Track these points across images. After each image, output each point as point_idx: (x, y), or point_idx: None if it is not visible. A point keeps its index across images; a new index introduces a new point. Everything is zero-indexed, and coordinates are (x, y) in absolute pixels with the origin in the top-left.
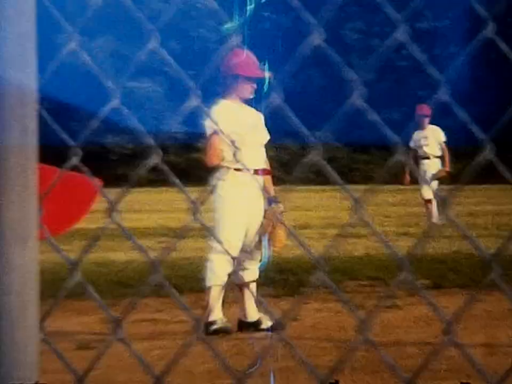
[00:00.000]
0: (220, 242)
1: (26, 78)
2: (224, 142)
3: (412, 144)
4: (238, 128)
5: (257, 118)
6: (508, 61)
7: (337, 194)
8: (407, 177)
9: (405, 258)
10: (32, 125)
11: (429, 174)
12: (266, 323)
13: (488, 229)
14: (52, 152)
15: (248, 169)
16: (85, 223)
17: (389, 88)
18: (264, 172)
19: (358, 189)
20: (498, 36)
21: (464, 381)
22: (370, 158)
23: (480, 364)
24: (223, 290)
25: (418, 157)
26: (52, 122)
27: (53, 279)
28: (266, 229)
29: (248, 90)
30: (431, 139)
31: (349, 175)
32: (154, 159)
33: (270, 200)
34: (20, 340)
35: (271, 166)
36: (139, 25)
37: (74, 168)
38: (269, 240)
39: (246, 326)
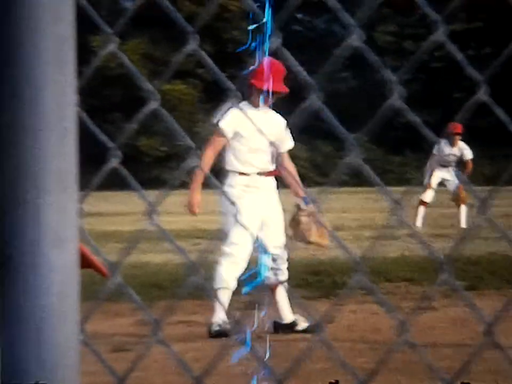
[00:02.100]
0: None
1: (65, 80)
2: (228, 146)
3: (436, 151)
4: (245, 132)
5: (272, 123)
6: None
7: (371, 196)
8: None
9: (445, 259)
10: (72, 127)
11: (445, 178)
12: (302, 324)
13: None
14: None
15: (251, 173)
16: (119, 225)
17: (422, 90)
18: (270, 173)
19: (393, 191)
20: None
21: (502, 383)
22: (404, 160)
23: None
24: (230, 294)
25: (439, 163)
26: (91, 125)
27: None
28: (308, 228)
29: (257, 100)
30: (459, 155)
31: (383, 176)
32: (194, 161)
33: (305, 200)
34: (62, 342)
35: (304, 167)
36: (171, 27)
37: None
38: (308, 240)
39: (281, 328)
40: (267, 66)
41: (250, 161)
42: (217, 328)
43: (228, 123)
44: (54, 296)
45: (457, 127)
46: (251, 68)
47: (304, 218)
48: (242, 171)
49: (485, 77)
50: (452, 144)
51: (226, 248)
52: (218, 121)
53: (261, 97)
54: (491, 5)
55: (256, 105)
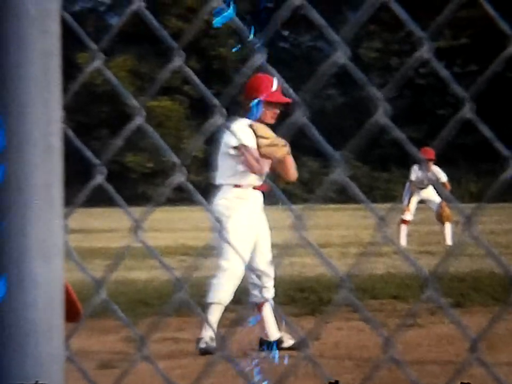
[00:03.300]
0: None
1: (51, 96)
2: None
3: (413, 178)
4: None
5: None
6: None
7: (358, 213)
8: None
9: (431, 276)
10: (57, 143)
11: (425, 199)
12: (288, 342)
13: (510, 247)
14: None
15: (245, 185)
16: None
17: (407, 106)
18: (260, 187)
19: (378, 208)
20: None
21: None
22: (390, 176)
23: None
24: (223, 309)
25: (417, 187)
26: (76, 141)
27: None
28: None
29: (270, 115)
30: (434, 180)
31: (369, 193)
32: (180, 177)
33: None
34: (46, 358)
35: (290, 184)
36: (158, 43)
37: (99, 187)
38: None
39: (267, 345)
40: (271, 80)
41: (245, 174)
42: (203, 345)
43: (250, 139)
44: (39, 312)
45: (429, 152)
46: (255, 84)
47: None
48: (237, 183)
49: (470, 93)
50: (425, 169)
51: (223, 263)
52: (240, 140)
53: (274, 112)
54: (477, 22)
55: (268, 121)
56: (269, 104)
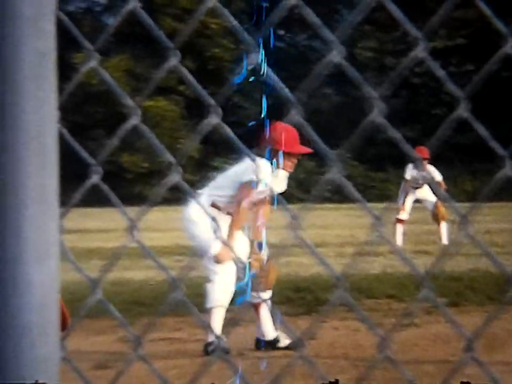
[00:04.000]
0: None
1: (46, 96)
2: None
3: (408, 177)
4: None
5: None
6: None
7: (353, 213)
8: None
9: (426, 275)
10: (52, 143)
11: (421, 198)
12: (284, 341)
13: (505, 247)
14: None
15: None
16: (101, 242)
17: (402, 105)
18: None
19: (374, 207)
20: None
21: None
22: (386, 176)
23: (501, 382)
24: (225, 311)
25: (412, 187)
26: (72, 141)
27: (69, 298)
28: (261, 270)
29: (289, 165)
30: (429, 179)
31: (365, 193)
32: (175, 177)
33: (260, 246)
34: (41, 359)
35: (286, 184)
36: (154, 44)
37: (94, 187)
38: (258, 279)
39: (263, 345)
40: (289, 129)
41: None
42: (213, 347)
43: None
44: (34, 313)
45: (424, 151)
46: (275, 135)
47: (254, 263)
48: (217, 206)
49: (466, 93)
50: (420, 168)
51: (216, 266)
52: (258, 177)
53: (293, 161)
54: (472, 22)
55: (288, 170)
56: (288, 154)
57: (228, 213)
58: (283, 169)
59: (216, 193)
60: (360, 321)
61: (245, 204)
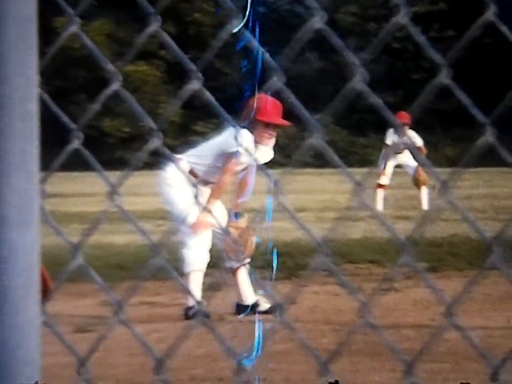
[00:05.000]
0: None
1: (27, 61)
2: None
3: (389, 142)
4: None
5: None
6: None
7: (335, 178)
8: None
9: (406, 241)
10: (34, 108)
11: (401, 163)
12: (264, 305)
13: (486, 212)
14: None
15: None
16: (83, 206)
17: (383, 71)
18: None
19: (356, 172)
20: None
21: (462, 363)
22: (368, 142)
23: (480, 347)
24: (202, 275)
25: (393, 152)
26: (53, 105)
27: (51, 262)
28: (240, 238)
29: (265, 137)
30: (409, 144)
31: (347, 158)
32: (156, 142)
33: (237, 215)
34: (23, 323)
35: None
36: (136, 8)
37: (76, 151)
38: (237, 246)
39: (243, 309)
40: (270, 101)
41: (212, 173)
42: (195, 311)
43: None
44: (16, 278)
45: (404, 117)
46: (254, 105)
47: (232, 230)
48: (195, 173)
49: (447, 59)
50: (401, 134)
51: (186, 230)
52: (241, 143)
53: (270, 134)
54: None
55: (264, 143)
56: (266, 125)
57: (205, 182)
58: (259, 143)
59: (196, 161)
60: (341, 286)
61: (228, 174)
